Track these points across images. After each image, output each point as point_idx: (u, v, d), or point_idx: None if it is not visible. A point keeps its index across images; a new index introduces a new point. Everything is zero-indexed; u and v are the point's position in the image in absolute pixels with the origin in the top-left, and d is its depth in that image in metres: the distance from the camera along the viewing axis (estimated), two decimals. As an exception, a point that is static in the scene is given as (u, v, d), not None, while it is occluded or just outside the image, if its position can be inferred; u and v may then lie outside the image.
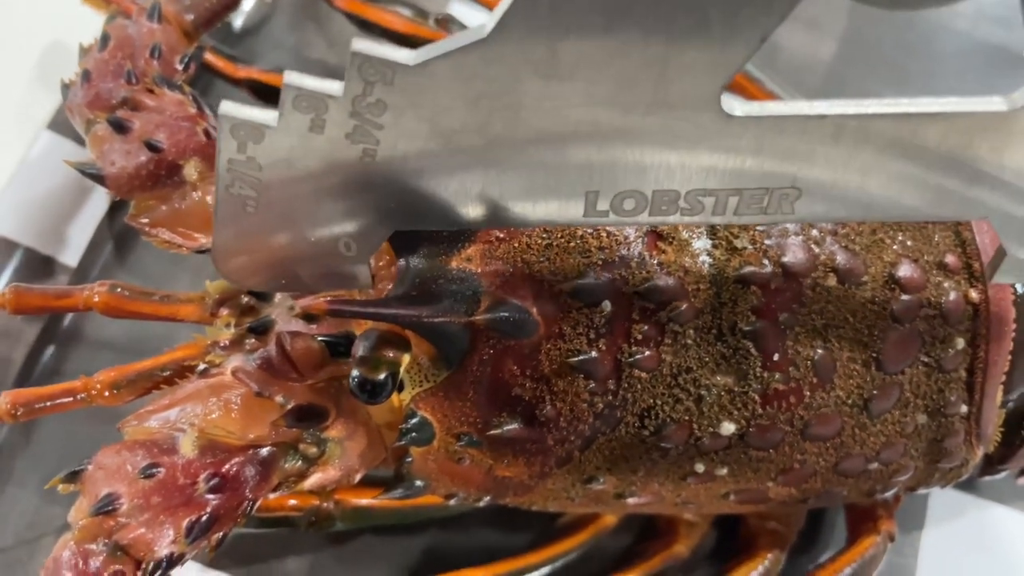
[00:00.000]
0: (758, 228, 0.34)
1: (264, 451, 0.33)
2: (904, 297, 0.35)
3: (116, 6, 0.41)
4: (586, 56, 0.25)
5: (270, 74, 0.47)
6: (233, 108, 0.27)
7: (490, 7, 0.49)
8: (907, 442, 0.36)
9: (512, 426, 0.33)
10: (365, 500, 0.41)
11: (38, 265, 0.47)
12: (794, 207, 0.30)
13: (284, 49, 0.53)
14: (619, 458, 0.35)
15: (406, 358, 0.33)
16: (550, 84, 0.26)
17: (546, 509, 0.39)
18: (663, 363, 0.33)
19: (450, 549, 0.45)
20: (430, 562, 0.45)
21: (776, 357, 0.34)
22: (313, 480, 0.34)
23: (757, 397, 0.34)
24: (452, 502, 0.37)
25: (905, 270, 0.35)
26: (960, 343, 0.35)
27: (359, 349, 0.33)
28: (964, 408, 0.36)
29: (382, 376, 0.32)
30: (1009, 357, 0.36)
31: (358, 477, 0.35)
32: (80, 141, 0.39)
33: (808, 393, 0.34)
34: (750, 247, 0.34)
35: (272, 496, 0.35)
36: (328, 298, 0.33)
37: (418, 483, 0.36)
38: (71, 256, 0.48)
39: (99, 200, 0.48)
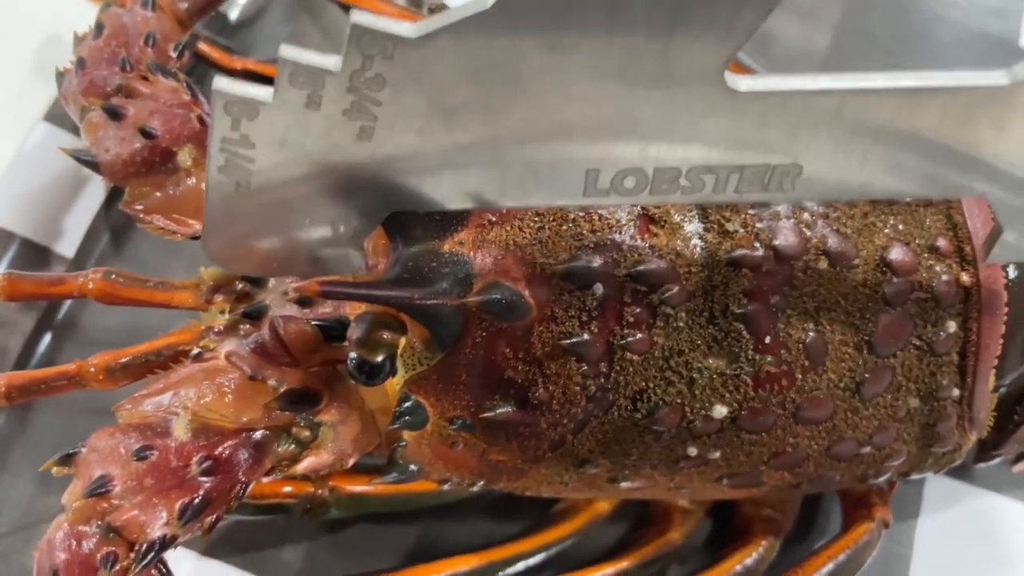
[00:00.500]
0: (750, 211, 0.34)
1: (257, 434, 0.33)
2: (896, 280, 0.35)
3: (112, -5, 0.41)
4: (589, 31, 0.25)
5: (266, 65, 0.48)
6: (227, 84, 0.26)
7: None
8: (900, 426, 0.36)
9: (505, 409, 0.33)
10: (360, 487, 0.41)
11: (35, 255, 0.47)
12: (795, 184, 0.29)
13: (279, 40, 0.52)
14: (612, 441, 0.35)
15: (403, 340, 0.33)
16: (553, 57, 0.26)
17: (540, 494, 0.39)
18: (655, 346, 0.33)
19: (446, 537, 0.46)
20: (426, 549, 0.45)
21: (768, 340, 0.34)
22: (306, 464, 0.34)
23: (749, 380, 0.34)
24: (446, 487, 0.37)
25: (897, 253, 0.35)
26: (952, 326, 0.35)
27: (356, 331, 0.33)
28: (956, 392, 0.36)
29: (380, 358, 0.33)
30: (1001, 341, 0.36)
31: (351, 462, 0.36)
32: (76, 132, 0.39)
33: (800, 376, 0.34)
34: (742, 230, 0.34)
35: (265, 480, 0.35)
36: (321, 280, 0.33)
37: (412, 468, 0.36)
38: (68, 246, 0.48)
39: (95, 190, 0.49)
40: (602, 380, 0.33)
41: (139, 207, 0.37)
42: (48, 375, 0.36)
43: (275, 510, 0.41)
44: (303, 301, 0.35)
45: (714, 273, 0.34)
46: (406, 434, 0.35)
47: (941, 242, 0.36)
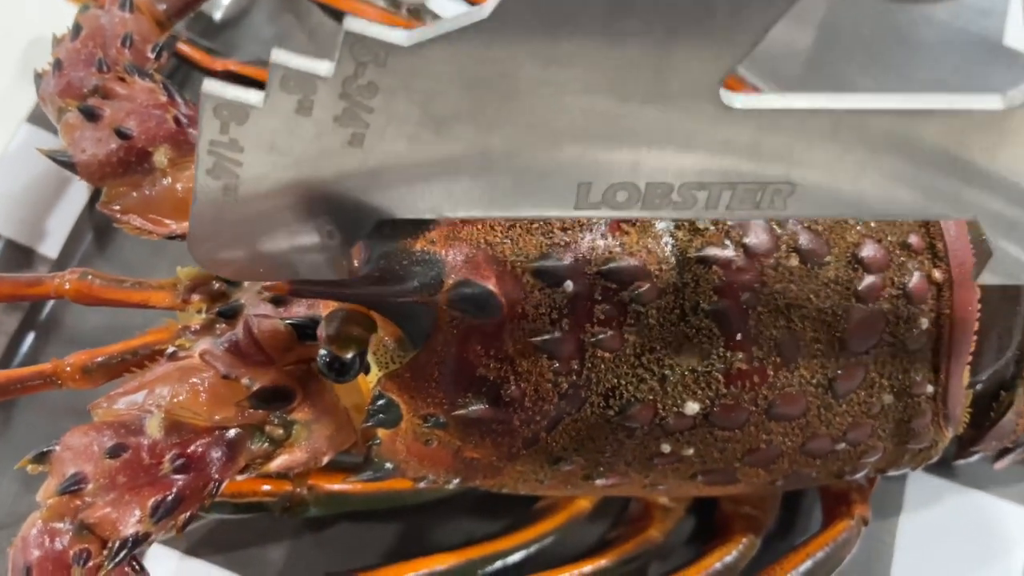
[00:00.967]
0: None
1: (230, 433, 0.33)
2: (868, 277, 0.35)
3: (90, -3, 0.41)
4: (586, 43, 0.25)
5: (248, 66, 0.48)
6: (217, 87, 0.26)
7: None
8: (874, 423, 0.37)
9: (477, 407, 0.34)
10: (338, 485, 0.41)
11: (18, 256, 0.48)
12: (787, 203, 0.29)
13: (264, 41, 0.53)
14: (585, 439, 0.35)
15: (373, 338, 0.33)
16: (548, 70, 0.25)
17: (517, 492, 0.39)
18: (626, 343, 0.34)
19: (429, 535, 0.46)
20: (409, 548, 0.45)
21: (739, 337, 0.34)
22: (279, 462, 0.34)
23: (721, 377, 0.34)
24: (422, 485, 0.38)
25: (868, 250, 0.35)
26: (924, 323, 0.36)
27: (326, 329, 0.33)
28: (930, 388, 0.37)
29: (350, 355, 0.33)
30: (975, 338, 0.37)
31: (326, 460, 0.36)
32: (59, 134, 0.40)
33: (772, 373, 0.35)
34: (712, 228, 0.34)
35: (240, 478, 0.35)
36: (292, 279, 0.33)
37: (387, 466, 0.36)
38: (51, 247, 0.48)
39: (79, 192, 0.49)
40: (574, 377, 0.34)
41: (116, 207, 0.37)
42: (24, 374, 0.37)
43: (254, 508, 0.41)
44: (278, 300, 0.35)
45: (684, 271, 0.34)
46: (380, 432, 0.35)
47: (913, 239, 0.36)
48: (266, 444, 0.34)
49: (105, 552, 0.31)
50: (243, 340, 0.34)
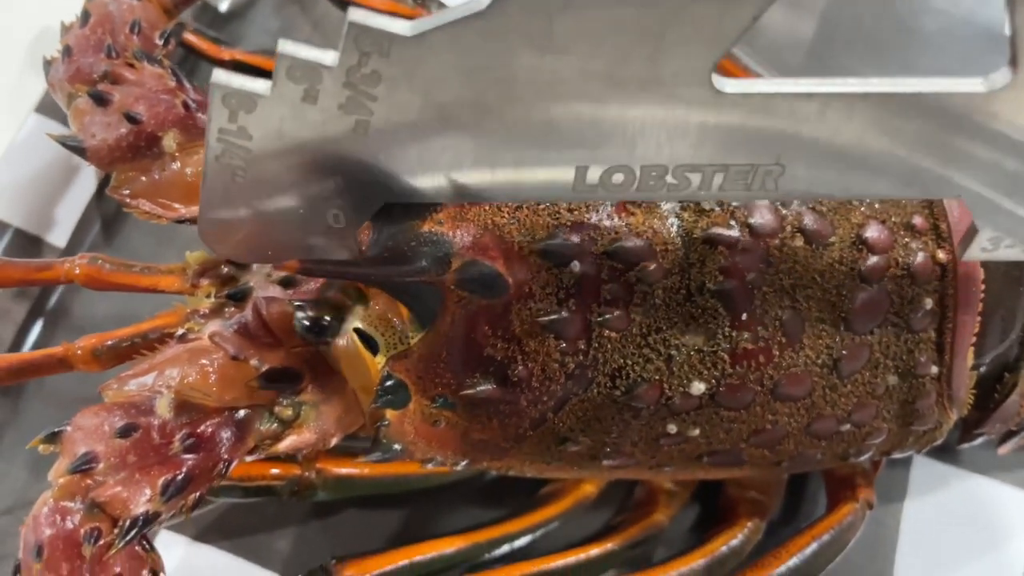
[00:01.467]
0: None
1: (240, 413, 0.33)
2: (872, 258, 0.35)
3: (98, -15, 0.41)
4: (582, 30, 0.26)
5: (255, 56, 0.48)
6: (225, 77, 0.27)
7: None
8: (878, 403, 0.37)
9: (485, 387, 0.34)
10: (346, 469, 0.41)
11: (27, 245, 0.48)
12: (777, 184, 0.30)
13: (269, 32, 0.53)
14: (592, 419, 0.35)
15: (359, 309, 0.34)
16: (545, 58, 0.26)
17: (524, 474, 0.39)
18: (633, 323, 0.34)
19: (435, 520, 0.46)
20: (415, 533, 0.46)
21: (744, 316, 0.34)
22: (288, 443, 0.35)
23: (726, 356, 0.34)
24: (429, 466, 0.38)
25: (873, 231, 0.35)
26: (928, 303, 0.36)
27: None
28: (935, 369, 0.37)
29: (327, 317, 0.33)
30: (979, 319, 0.37)
31: (334, 441, 0.36)
32: (67, 123, 0.40)
33: (777, 352, 0.35)
34: (717, 208, 0.34)
35: (249, 459, 0.35)
36: (301, 259, 0.33)
37: (395, 447, 0.37)
38: (60, 236, 0.48)
39: (87, 181, 0.49)
40: (581, 357, 0.34)
41: (125, 192, 0.38)
42: (35, 357, 0.37)
43: (262, 492, 0.41)
44: (286, 282, 0.36)
45: (690, 251, 0.34)
46: (389, 413, 0.35)
47: (917, 220, 0.36)
48: (275, 425, 0.34)
49: (116, 531, 0.31)
50: (252, 322, 0.34)
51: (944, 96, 0.28)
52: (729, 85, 0.27)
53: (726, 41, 0.26)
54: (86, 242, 0.49)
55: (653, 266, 0.34)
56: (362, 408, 0.36)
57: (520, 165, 0.29)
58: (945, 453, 0.48)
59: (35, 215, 0.48)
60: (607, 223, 0.34)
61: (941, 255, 0.36)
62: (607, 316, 0.33)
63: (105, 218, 0.49)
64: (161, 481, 0.32)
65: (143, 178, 0.38)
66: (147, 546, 0.33)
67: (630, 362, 0.34)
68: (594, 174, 0.29)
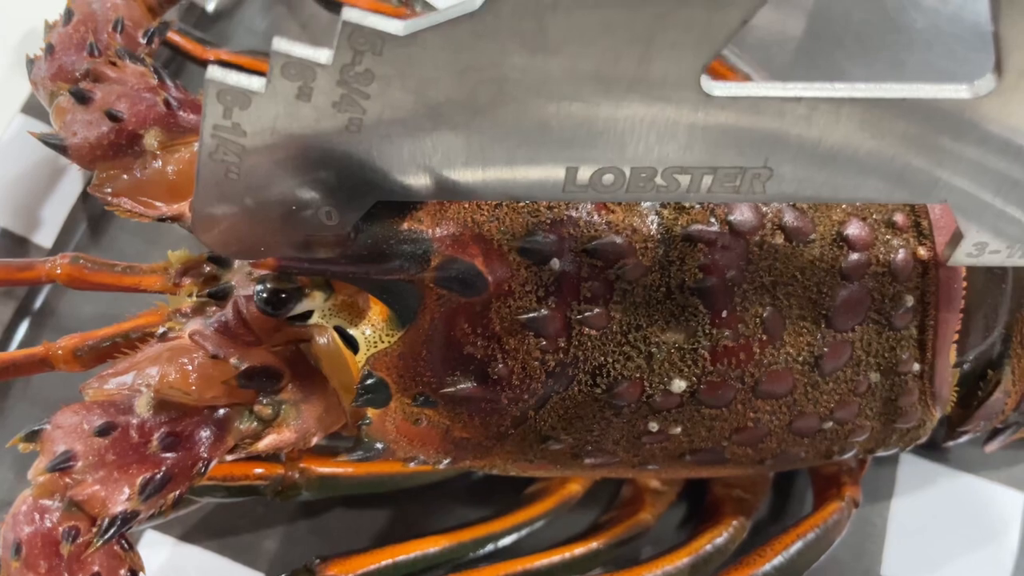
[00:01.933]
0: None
1: (219, 412, 0.33)
2: (853, 255, 0.35)
3: (82, -17, 0.41)
4: (573, 31, 0.26)
5: (239, 56, 0.48)
6: (220, 73, 0.27)
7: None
8: (861, 401, 0.37)
9: (466, 385, 0.34)
10: (330, 468, 0.41)
11: (13, 245, 0.48)
12: (765, 187, 0.30)
13: (256, 33, 0.53)
14: (573, 417, 0.35)
15: (318, 295, 0.34)
16: (536, 58, 0.26)
17: (507, 473, 0.39)
18: (613, 320, 0.34)
19: (423, 520, 0.46)
20: (401, 531, 0.46)
21: (724, 314, 0.34)
22: (268, 442, 0.35)
23: (707, 354, 0.34)
24: (412, 465, 0.38)
25: (854, 228, 0.35)
26: (910, 300, 0.36)
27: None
28: (917, 366, 0.37)
29: (287, 288, 0.34)
30: (961, 317, 0.37)
31: (315, 440, 0.36)
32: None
33: (758, 350, 0.35)
34: (698, 205, 0.34)
35: (229, 458, 0.35)
36: (279, 257, 0.33)
37: (377, 446, 0.37)
38: (46, 236, 0.48)
39: (73, 181, 0.49)
40: (561, 355, 0.34)
41: (107, 190, 0.37)
42: (16, 357, 0.37)
43: (246, 492, 0.41)
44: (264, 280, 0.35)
45: (670, 248, 0.34)
46: (370, 412, 0.35)
47: (898, 217, 0.36)
48: (255, 424, 0.34)
49: (94, 529, 0.31)
50: (232, 320, 0.34)
51: (930, 102, 0.28)
52: (718, 88, 0.28)
53: (715, 44, 0.26)
54: (72, 242, 0.49)
55: (633, 263, 0.33)
56: (343, 407, 0.36)
57: (511, 164, 0.29)
58: (932, 451, 0.48)
59: (21, 215, 0.48)
60: (587, 220, 0.34)
61: (922, 252, 0.36)
62: (587, 313, 0.33)
63: (92, 218, 0.49)
64: (139, 480, 0.32)
65: (125, 176, 0.37)
66: (126, 545, 0.33)
67: (611, 360, 0.34)
68: (584, 175, 0.30)
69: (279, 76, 0.27)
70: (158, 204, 0.37)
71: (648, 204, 0.34)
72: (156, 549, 0.45)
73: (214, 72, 0.27)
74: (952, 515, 0.47)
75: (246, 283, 0.36)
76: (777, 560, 0.40)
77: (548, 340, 0.33)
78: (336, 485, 0.42)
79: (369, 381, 0.34)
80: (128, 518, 0.32)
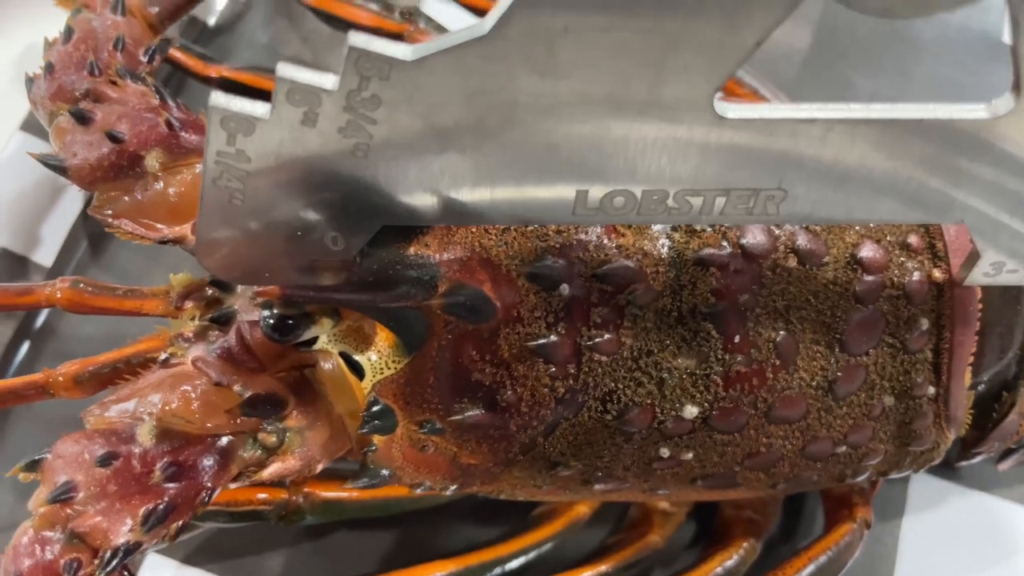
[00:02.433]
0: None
1: (223, 440, 0.33)
2: (867, 278, 0.34)
3: (82, 1, 0.41)
4: (584, 55, 0.25)
5: (240, 72, 0.47)
6: (224, 100, 0.26)
7: (461, 2, 0.49)
8: (875, 425, 0.36)
9: (474, 412, 0.33)
10: (335, 493, 0.41)
11: (13, 265, 0.47)
12: (779, 208, 0.30)
13: (258, 46, 0.53)
14: (583, 443, 0.35)
15: (326, 322, 0.33)
16: (546, 82, 0.26)
17: (515, 498, 0.39)
18: (623, 346, 0.33)
19: (428, 542, 0.45)
20: (407, 555, 0.45)
21: (737, 339, 0.34)
22: (272, 470, 0.34)
23: (719, 379, 0.34)
24: (419, 491, 0.37)
25: (868, 251, 0.35)
26: (924, 323, 0.35)
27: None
28: (932, 390, 0.36)
29: (294, 315, 0.33)
30: (976, 338, 0.36)
31: (320, 467, 0.35)
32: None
33: (771, 375, 0.34)
34: (709, 229, 0.34)
35: (233, 486, 0.35)
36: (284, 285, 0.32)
37: (383, 472, 0.36)
38: (46, 256, 0.48)
39: (73, 200, 0.49)
40: (571, 381, 0.33)
41: (108, 212, 0.37)
42: (16, 385, 0.36)
43: (250, 517, 0.40)
44: (270, 306, 0.35)
45: (682, 272, 0.33)
46: (376, 438, 0.35)
47: (912, 239, 0.35)
48: (259, 452, 0.34)
49: (96, 561, 0.31)
50: (235, 347, 0.34)
51: (947, 122, 0.28)
52: (731, 110, 0.27)
53: (728, 67, 0.26)
54: (73, 261, 0.48)
55: (643, 288, 0.33)
56: (349, 434, 0.35)
57: (520, 187, 0.29)
58: (943, 470, 0.47)
59: (21, 234, 0.48)
60: (597, 245, 0.33)
61: (937, 274, 0.35)
62: (597, 339, 0.33)
63: (92, 237, 0.49)
64: (142, 511, 0.31)
65: (126, 198, 0.37)
66: (127, 575, 0.32)
67: (621, 386, 0.33)
68: (595, 197, 0.29)
69: (284, 102, 0.26)
70: (159, 226, 0.37)
71: (659, 228, 0.34)
72: (158, 572, 0.44)
73: (217, 99, 0.26)
74: (964, 534, 0.47)
75: (249, 308, 0.36)
76: (789, 584, 0.40)
77: (557, 366, 0.33)
78: (341, 509, 0.42)
79: (375, 408, 0.34)
80: (130, 549, 0.31)
